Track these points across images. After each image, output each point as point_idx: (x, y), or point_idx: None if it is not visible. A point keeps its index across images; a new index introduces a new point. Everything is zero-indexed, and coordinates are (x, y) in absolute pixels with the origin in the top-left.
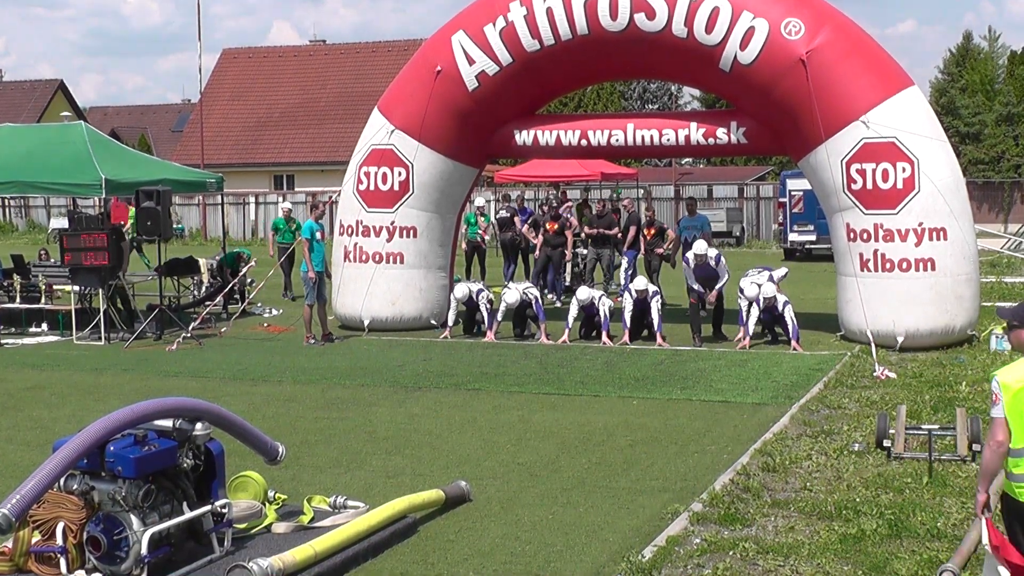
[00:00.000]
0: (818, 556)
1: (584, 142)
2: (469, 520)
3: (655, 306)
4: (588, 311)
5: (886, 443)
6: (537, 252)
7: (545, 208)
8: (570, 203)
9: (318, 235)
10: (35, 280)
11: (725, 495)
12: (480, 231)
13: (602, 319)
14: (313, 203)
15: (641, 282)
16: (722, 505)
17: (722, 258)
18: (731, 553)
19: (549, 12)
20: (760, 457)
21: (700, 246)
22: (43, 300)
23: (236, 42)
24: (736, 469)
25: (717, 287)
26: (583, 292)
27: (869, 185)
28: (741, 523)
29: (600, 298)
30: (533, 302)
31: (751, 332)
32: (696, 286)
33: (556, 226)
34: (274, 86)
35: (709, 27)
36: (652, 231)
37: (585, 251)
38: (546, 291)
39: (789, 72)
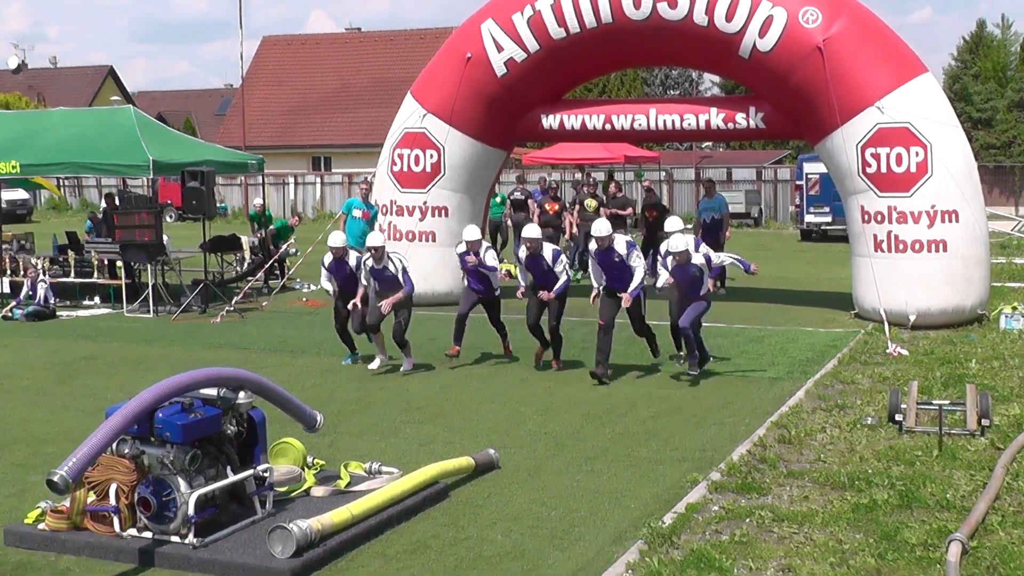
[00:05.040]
0: (831, 524)
1: (608, 126)
2: (497, 486)
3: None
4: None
5: (898, 417)
6: None
7: (582, 188)
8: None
9: (355, 212)
10: (88, 256)
11: (742, 465)
12: (506, 211)
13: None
14: (357, 181)
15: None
16: (739, 475)
17: (711, 257)
18: (748, 520)
19: (575, 1)
20: (776, 429)
21: (678, 242)
22: (95, 275)
23: (275, 30)
24: (753, 440)
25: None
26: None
27: (883, 169)
28: (757, 492)
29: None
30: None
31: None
32: (661, 284)
33: (556, 207)
34: (312, 72)
35: (729, 15)
36: (654, 213)
37: None
38: (571, 267)
39: (806, 59)
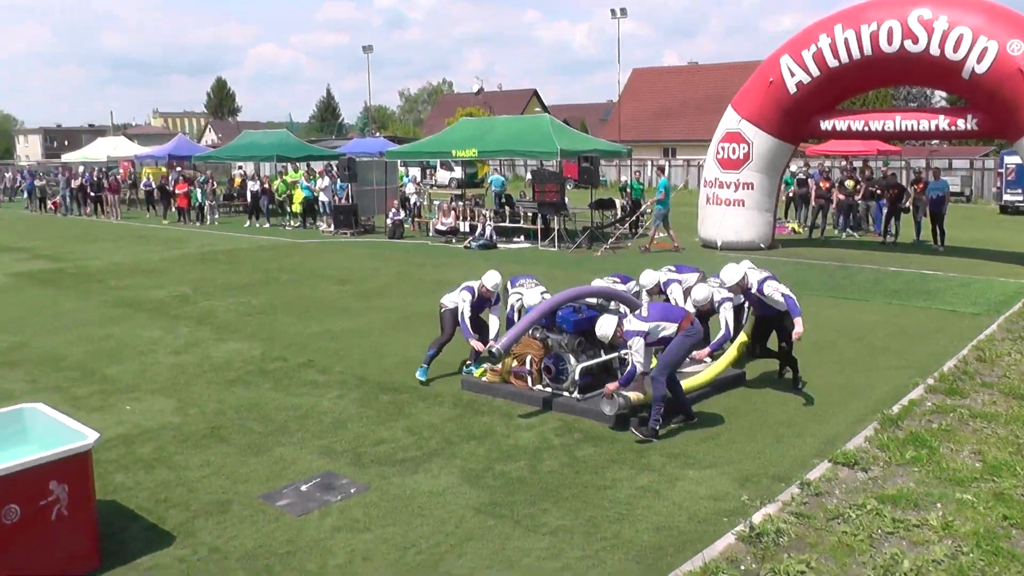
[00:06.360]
0: (1011, 423)
1: (866, 127)
2: (773, 378)
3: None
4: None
5: None
6: (813, 201)
7: (844, 172)
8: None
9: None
10: (517, 209)
11: (950, 375)
12: (793, 188)
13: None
14: (693, 164)
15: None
16: (947, 382)
17: (768, 284)
18: (951, 415)
19: (846, 41)
20: (975, 351)
21: (701, 291)
22: (521, 221)
23: (640, 63)
24: (958, 358)
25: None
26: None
27: None
28: (960, 395)
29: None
30: None
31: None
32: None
33: (828, 184)
34: (664, 91)
35: (955, 48)
36: (895, 191)
37: (862, 203)
38: (835, 228)
39: (1011, 78)
